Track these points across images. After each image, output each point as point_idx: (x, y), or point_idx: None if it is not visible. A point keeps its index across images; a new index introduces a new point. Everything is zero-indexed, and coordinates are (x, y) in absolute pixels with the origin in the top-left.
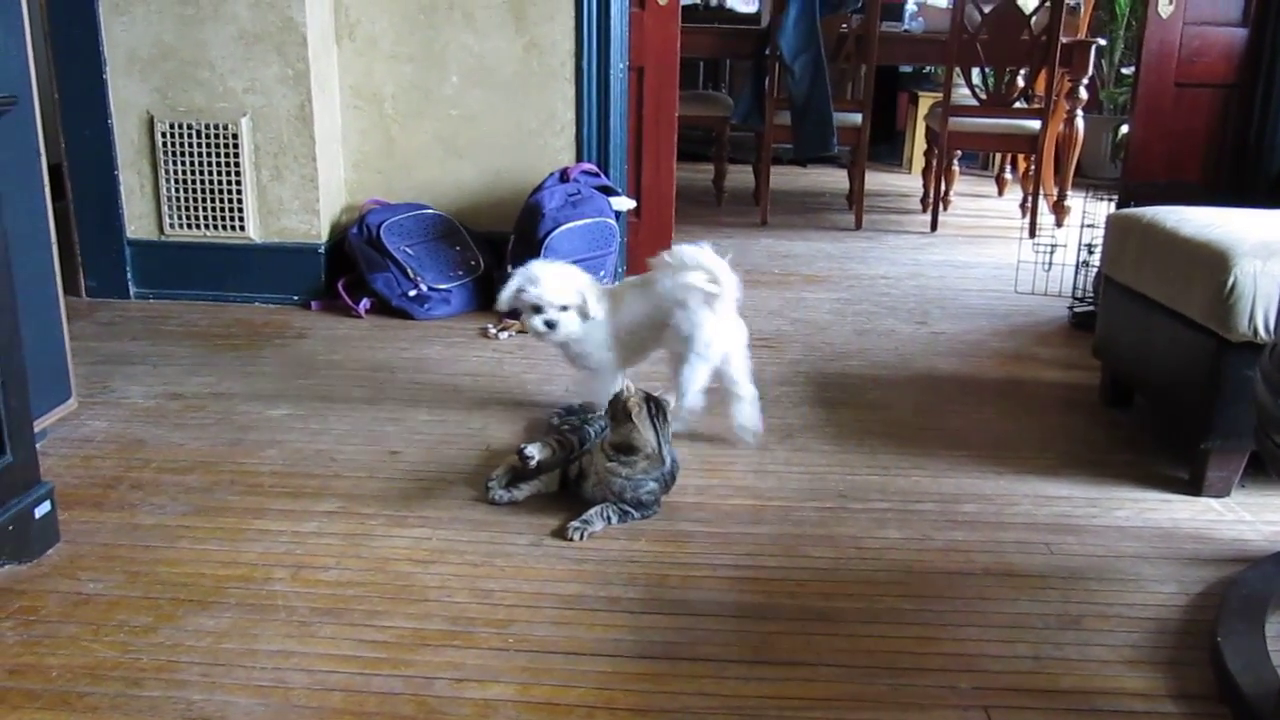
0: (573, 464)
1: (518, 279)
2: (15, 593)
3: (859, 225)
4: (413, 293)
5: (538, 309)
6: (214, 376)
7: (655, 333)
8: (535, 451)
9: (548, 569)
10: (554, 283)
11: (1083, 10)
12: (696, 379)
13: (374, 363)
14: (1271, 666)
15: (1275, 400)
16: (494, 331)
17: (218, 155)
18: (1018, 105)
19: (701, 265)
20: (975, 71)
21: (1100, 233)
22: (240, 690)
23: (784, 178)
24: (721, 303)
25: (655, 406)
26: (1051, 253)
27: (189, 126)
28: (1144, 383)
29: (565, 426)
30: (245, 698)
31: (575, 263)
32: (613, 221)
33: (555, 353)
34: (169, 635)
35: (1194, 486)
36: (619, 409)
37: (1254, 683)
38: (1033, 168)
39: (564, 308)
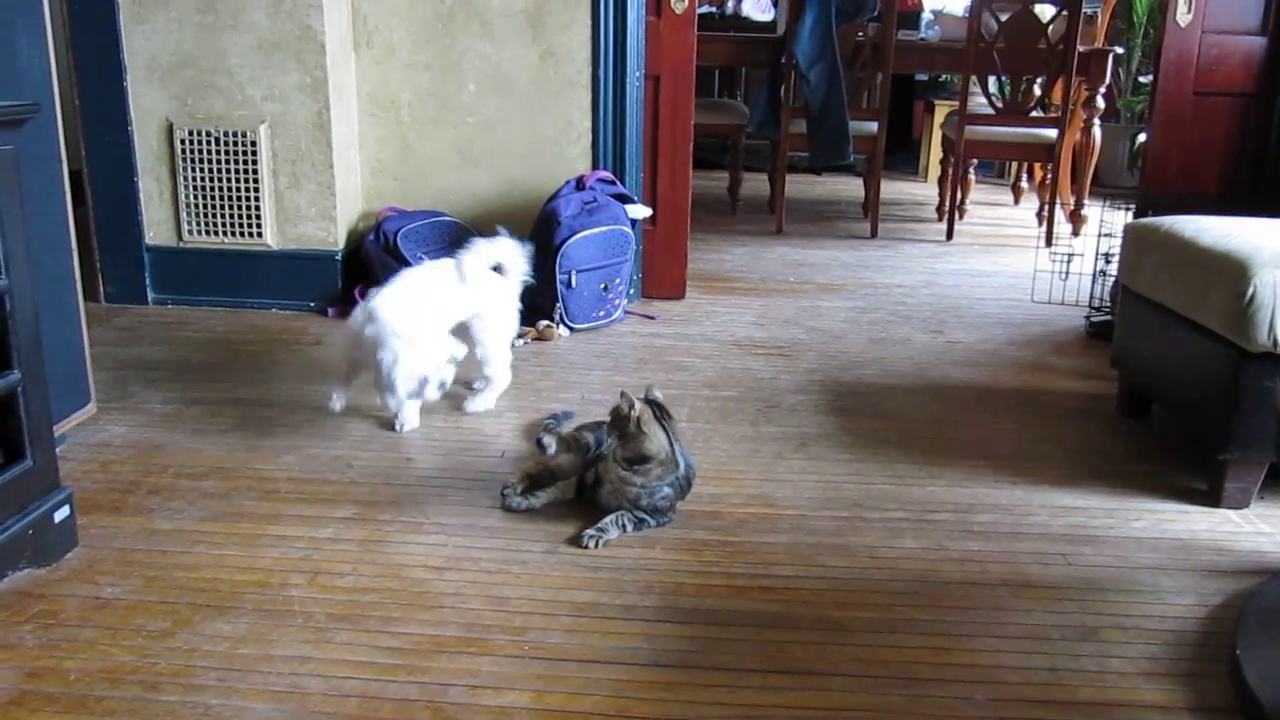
0: (588, 471)
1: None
2: (34, 597)
3: (874, 234)
4: None
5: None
6: (231, 382)
7: (458, 330)
8: (552, 441)
9: (563, 577)
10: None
11: (1100, 18)
12: (505, 355)
13: None
14: None
15: None
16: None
17: (236, 162)
18: (1034, 114)
19: (499, 255)
20: (992, 80)
21: (1117, 242)
22: (256, 696)
23: (799, 186)
24: (513, 287)
25: (659, 409)
26: (1068, 262)
27: (208, 134)
28: (1162, 393)
29: (582, 428)
30: (261, 703)
31: (592, 270)
32: (628, 229)
33: (575, 359)
34: (186, 640)
35: (1212, 498)
36: (627, 424)
37: (1273, 696)
38: (1049, 176)
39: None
